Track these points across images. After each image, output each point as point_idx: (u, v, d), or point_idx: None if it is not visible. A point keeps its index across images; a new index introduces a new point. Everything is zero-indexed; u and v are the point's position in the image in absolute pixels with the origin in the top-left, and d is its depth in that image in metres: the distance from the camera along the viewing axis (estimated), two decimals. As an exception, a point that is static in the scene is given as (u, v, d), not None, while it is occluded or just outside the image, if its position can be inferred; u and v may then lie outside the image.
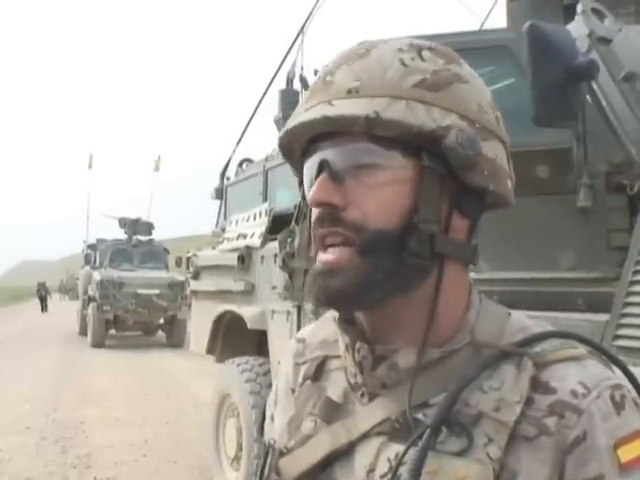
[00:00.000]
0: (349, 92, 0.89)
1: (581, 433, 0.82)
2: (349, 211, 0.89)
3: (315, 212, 0.93)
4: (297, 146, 0.97)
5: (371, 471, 0.92)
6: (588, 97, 3.07)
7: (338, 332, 1.01)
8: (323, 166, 0.91)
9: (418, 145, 0.88)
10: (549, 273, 3.16)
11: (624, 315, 2.70)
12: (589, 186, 2.97)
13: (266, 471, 1.03)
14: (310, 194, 0.91)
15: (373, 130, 0.87)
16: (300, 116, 0.92)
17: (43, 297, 48.45)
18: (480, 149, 0.88)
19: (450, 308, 0.94)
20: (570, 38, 2.89)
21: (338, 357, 1.03)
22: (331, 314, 1.08)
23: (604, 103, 3.15)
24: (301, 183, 1.00)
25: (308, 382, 1.07)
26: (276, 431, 1.09)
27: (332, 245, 0.91)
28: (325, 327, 1.09)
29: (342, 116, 0.87)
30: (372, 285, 0.89)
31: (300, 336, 1.17)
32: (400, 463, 0.87)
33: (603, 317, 2.81)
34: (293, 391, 1.10)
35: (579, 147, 2.98)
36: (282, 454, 1.01)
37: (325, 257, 0.91)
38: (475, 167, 0.89)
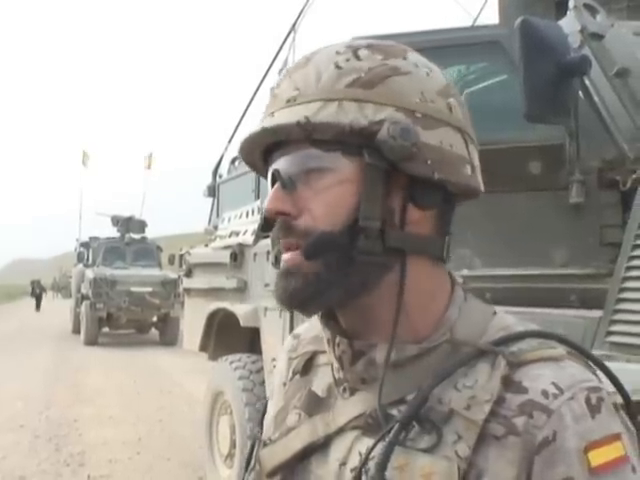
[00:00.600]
0: (288, 101, 0.91)
1: (550, 434, 0.81)
2: (301, 218, 0.91)
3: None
4: (255, 158, 1.00)
5: (343, 464, 0.93)
6: (580, 93, 3.07)
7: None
8: (275, 176, 0.93)
9: (359, 144, 0.89)
10: (542, 269, 3.16)
11: (617, 311, 2.70)
12: (581, 182, 2.97)
13: (252, 462, 1.05)
14: (264, 205, 0.94)
15: (311, 135, 0.89)
16: (248, 132, 0.95)
17: (38, 295, 47.02)
18: (418, 138, 0.88)
19: (422, 304, 0.95)
20: (562, 34, 2.89)
21: (326, 352, 1.04)
22: None
23: (596, 99, 3.15)
24: None
25: (297, 376, 1.09)
26: (265, 423, 1.11)
27: (290, 250, 0.93)
28: (318, 323, 1.08)
29: (277, 125, 0.89)
30: (326, 285, 0.90)
31: (296, 332, 1.20)
32: (368, 457, 0.88)
33: (596, 313, 2.81)
34: (285, 385, 1.12)
35: (571, 143, 2.99)
36: (265, 445, 1.02)
37: (283, 257, 0.94)
38: (414, 157, 0.88)
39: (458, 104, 0.96)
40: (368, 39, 0.97)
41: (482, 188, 0.98)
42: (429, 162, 0.89)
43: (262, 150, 0.97)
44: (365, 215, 0.89)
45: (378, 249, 0.90)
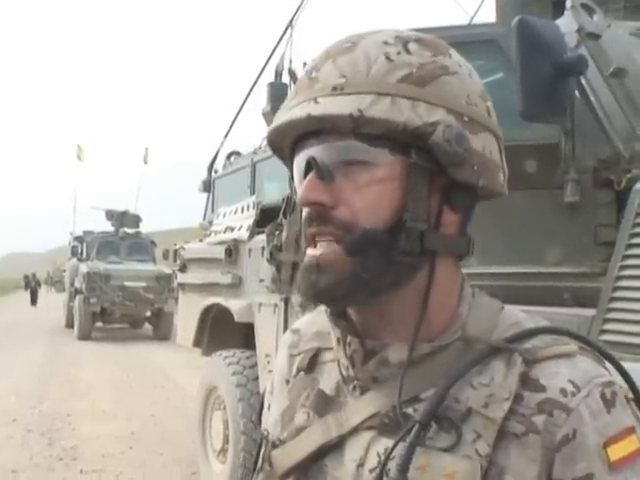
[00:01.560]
0: (334, 89, 0.88)
1: (570, 432, 0.82)
2: (338, 210, 0.89)
3: (305, 210, 0.93)
4: (285, 143, 0.97)
5: (360, 465, 0.92)
6: (576, 92, 3.08)
7: (330, 325, 1.01)
8: (311, 164, 0.91)
9: (406, 142, 0.87)
10: (536, 268, 3.17)
11: (610, 310, 2.71)
12: (577, 181, 2.98)
13: (259, 462, 1.03)
14: (299, 193, 0.91)
15: (359, 128, 0.87)
16: (286, 114, 0.91)
17: (33, 289, 45.13)
18: (469, 144, 0.87)
19: (441, 302, 0.94)
20: (559, 33, 2.90)
21: (331, 349, 1.03)
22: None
23: (592, 99, 3.15)
24: (292, 178, 1.00)
25: (302, 374, 1.07)
26: (270, 422, 1.09)
27: (320, 242, 0.91)
28: (320, 318, 1.08)
29: (327, 115, 0.86)
30: (360, 284, 0.89)
31: (295, 327, 1.18)
32: (388, 458, 0.87)
33: (590, 312, 2.82)
34: (287, 382, 1.10)
35: (567, 142, 2.99)
36: (275, 446, 1.01)
37: (313, 252, 0.91)
38: (464, 163, 0.88)
39: (492, 109, 0.96)
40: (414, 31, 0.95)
41: (507, 194, 0.98)
42: (475, 168, 0.89)
43: (296, 136, 0.94)
44: (412, 216, 0.88)
45: (417, 250, 0.89)
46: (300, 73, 0.96)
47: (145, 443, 8.15)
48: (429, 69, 0.89)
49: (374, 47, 0.90)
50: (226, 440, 5.76)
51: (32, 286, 46.07)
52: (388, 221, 0.88)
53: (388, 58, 0.88)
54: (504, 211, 3.18)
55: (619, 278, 2.72)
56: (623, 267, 2.72)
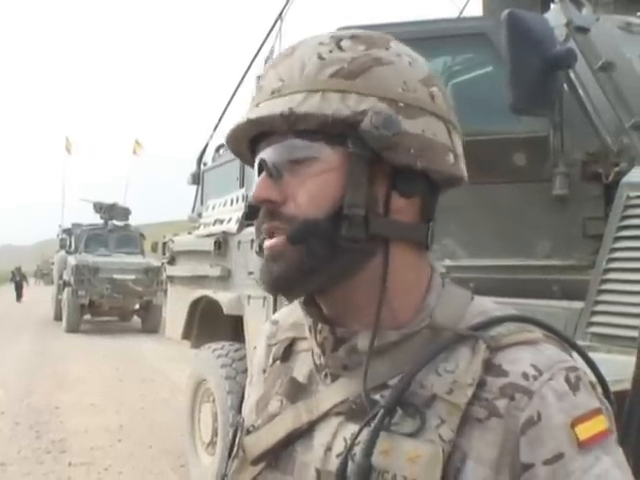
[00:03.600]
0: (272, 93, 0.93)
1: (534, 414, 0.83)
2: (286, 205, 0.93)
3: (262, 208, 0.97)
4: (242, 148, 1.02)
5: (328, 450, 0.94)
6: (565, 86, 3.09)
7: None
8: (262, 165, 0.96)
9: (342, 133, 0.90)
10: (525, 260, 3.18)
11: (598, 302, 2.73)
12: (565, 174, 2.99)
13: (235, 449, 1.05)
14: (252, 193, 0.96)
15: (295, 126, 0.91)
16: (234, 123, 0.97)
17: (18, 283, 41.29)
18: (399, 128, 0.89)
19: (405, 290, 0.96)
20: (548, 27, 2.90)
21: (306, 339, 1.05)
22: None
23: (581, 92, 3.17)
24: None
25: (277, 363, 1.10)
26: (246, 410, 1.11)
27: (275, 236, 0.95)
28: (297, 309, 1.10)
29: (261, 117, 0.92)
30: (310, 270, 0.92)
31: (274, 318, 1.20)
32: (354, 443, 0.89)
33: (578, 304, 2.84)
34: (264, 371, 1.13)
35: (556, 135, 3.01)
36: (248, 432, 1.03)
37: (266, 243, 0.96)
38: (396, 146, 0.90)
39: (441, 93, 0.97)
40: (352, 29, 0.98)
41: (466, 176, 0.99)
42: (412, 151, 0.91)
43: (249, 140, 0.99)
44: (349, 203, 0.90)
45: (361, 236, 0.91)
46: None
47: (134, 436, 8.15)
48: (360, 62, 0.92)
49: (309, 49, 0.94)
50: (215, 432, 5.77)
51: (17, 280, 42.33)
52: (329, 210, 0.91)
53: (320, 57, 0.92)
54: (493, 204, 3.19)
55: (607, 271, 2.73)
56: (611, 260, 2.73)
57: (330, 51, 0.93)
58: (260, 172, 0.96)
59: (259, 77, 1.00)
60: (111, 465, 7.02)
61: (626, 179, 2.82)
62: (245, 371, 5.48)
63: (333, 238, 0.91)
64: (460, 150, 0.98)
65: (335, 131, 0.90)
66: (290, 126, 0.91)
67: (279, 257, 0.93)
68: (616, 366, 2.26)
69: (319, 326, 0.98)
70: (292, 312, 1.15)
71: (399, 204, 0.94)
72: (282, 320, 1.17)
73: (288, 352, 1.10)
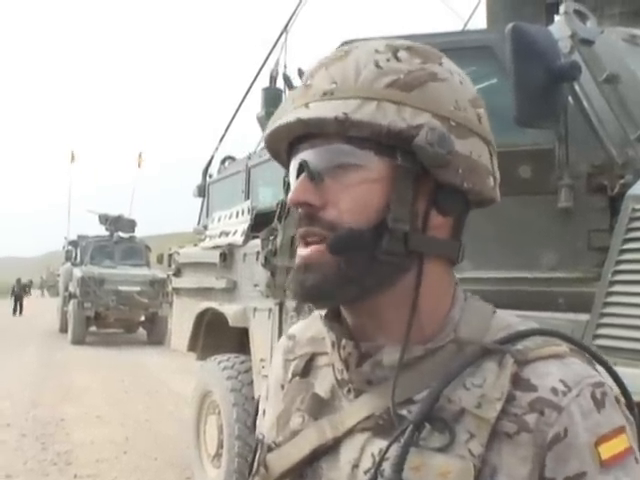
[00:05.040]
0: (324, 94, 0.91)
1: (561, 430, 0.83)
2: (326, 210, 0.92)
3: (297, 212, 0.95)
4: (281, 148, 1.00)
5: (355, 466, 0.93)
6: (570, 98, 3.09)
7: (324, 329, 1.03)
8: (302, 167, 0.94)
9: (392, 144, 0.90)
10: (530, 273, 3.18)
11: (604, 315, 2.72)
12: (570, 187, 2.99)
13: (255, 466, 1.03)
14: (290, 194, 0.94)
15: (346, 131, 0.89)
16: (279, 119, 0.94)
17: (18, 295, 38.63)
18: (452, 147, 0.89)
19: (433, 305, 0.96)
20: (553, 39, 2.91)
21: (326, 354, 1.04)
22: (319, 311, 1.09)
23: (586, 104, 3.17)
24: (285, 182, 1.03)
25: (297, 378, 1.08)
26: (265, 426, 1.10)
27: (311, 243, 0.93)
28: (314, 324, 1.10)
29: (314, 118, 0.89)
30: (346, 281, 0.91)
31: (291, 333, 1.19)
32: (383, 459, 0.88)
33: (583, 317, 2.83)
34: (283, 387, 1.11)
35: (561, 148, 3.00)
36: (270, 449, 1.02)
37: (301, 252, 0.94)
38: (447, 165, 0.89)
39: (485, 115, 0.98)
40: (404, 39, 0.98)
41: (499, 200, 0.99)
42: (460, 171, 0.91)
43: (290, 140, 0.97)
44: (395, 217, 0.90)
45: (400, 251, 0.91)
46: (295, 79, 1.00)
47: (139, 448, 8.13)
48: (416, 75, 0.91)
49: (365, 55, 0.93)
50: (220, 445, 5.76)
51: (17, 292, 39.46)
52: (372, 221, 0.90)
53: (377, 65, 0.91)
54: (498, 216, 3.19)
55: (613, 283, 2.73)
56: (617, 272, 2.73)
57: (387, 60, 0.92)
58: (299, 174, 0.94)
59: (306, 75, 0.97)
60: (117, 477, 7.01)
61: (631, 191, 2.82)
62: (251, 383, 5.47)
63: (373, 250, 0.90)
64: (498, 174, 0.99)
65: (386, 142, 0.90)
66: (342, 131, 0.90)
67: (316, 267, 0.92)
68: (623, 379, 2.25)
69: (343, 341, 0.97)
70: (309, 326, 1.14)
71: (437, 221, 0.94)
72: (299, 334, 1.15)
73: (308, 367, 1.09)
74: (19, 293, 39.39)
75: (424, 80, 0.91)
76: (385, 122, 0.87)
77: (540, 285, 3.15)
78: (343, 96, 0.90)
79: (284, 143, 0.99)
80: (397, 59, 0.92)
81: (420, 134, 0.87)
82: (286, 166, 1.02)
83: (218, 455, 5.83)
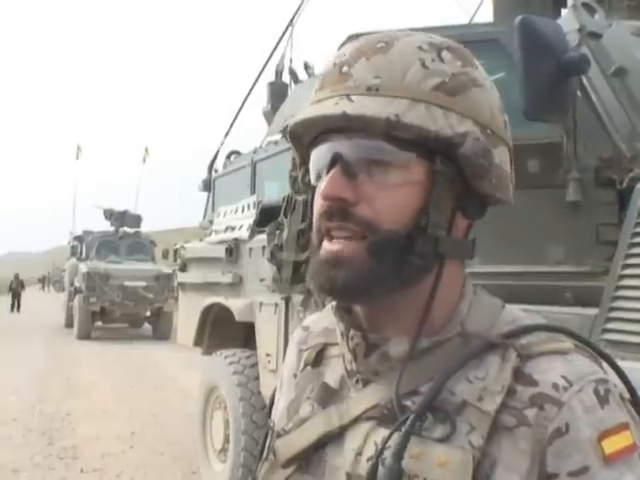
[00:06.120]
0: (369, 89, 0.89)
1: (562, 425, 0.83)
2: (360, 207, 0.90)
3: (322, 204, 0.94)
4: (309, 134, 0.98)
5: (359, 454, 0.94)
6: (578, 92, 3.07)
7: (335, 320, 1.03)
8: (336, 159, 0.91)
9: (433, 148, 0.89)
10: (538, 267, 3.17)
11: (613, 309, 2.71)
12: (579, 180, 2.98)
13: (265, 452, 1.05)
14: (322, 188, 0.92)
15: (392, 131, 0.88)
16: (316, 107, 0.92)
17: (15, 291, 37.13)
18: (493, 159, 0.90)
19: (443, 300, 0.96)
20: (561, 32, 2.89)
21: (337, 344, 1.05)
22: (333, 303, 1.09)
23: (594, 98, 3.15)
24: (301, 166, 1.01)
25: (308, 368, 1.10)
26: (277, 414, 1.12)
27: (338, 238, 0.92)
28: (328, 315, 1.10)
29: (363, 115, 0.87)
30: (377, 281, 0.91)
31: (305, 324, 1.21)
32: (385, 447, 0.89)
33: (591, 311, 2.82)
34: (295, 376, 1.13)
35: (569, 141, 2.99)
36: (279, 436, 1.03)
37: (331, 247, 0.93)
38: (487, 176, 0.91)
39: (508, 121, 0.98)
40: (436, 37, 0.97)
41: (512, 202, 1.00)
42: (494, 181, 0.93)
43: (324, 129, 0.95)
44: (433, 222, 0.91)
45: (431, 254, 0.92)
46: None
47: (145, 443, 8.16)
48: (460, 80, 0.91)
49: (409, 51, 0.91)
50: (227, 439, 5.77)
51: (13, 288, 37.71)
52: (408, 224, 0.90)
53: (423, 65, 0.90)
54: (506, 210, 3.17)
55: (622, 277, 2.72)
56: (626, 266, 2.72)
57: (432, 60, 0.91)
58: (331, 165, 0.92)
59: (340, 60, 0.94)
60: (123, 472, 7.03)
61: (640, 185, 2.81)
62: (257, 378, 5.48)
63: (406, 253, 0.90)
64: (514, 178, 1.00)
65: (429, 146, 0.89)
66: (388, 130, 0.88)
67: (348, 263, 0.91)
68: (631, 374, 2.24)
69: (351, 332, 0.99)
70: (323, 318, 1.16)
71: (463, 225, 0.96)
72: (313, 326, 1.18)
73: (319, 357, 1.10)
74: (17, 289, 37.70)
75: (468, 85, 0.91)
76: (434, 127, 0.87)
77: (547, 279, 3.14)
78: (390, 94, 0.88)
79: (314, 132, 0.96)
80: (442, 60, 0.91)
81: (466, 143, 0.88)
82: (302, 151, 1.01)
83: (224, 450, 5.84)
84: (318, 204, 0.95)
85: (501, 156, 0.93)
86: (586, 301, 2.92)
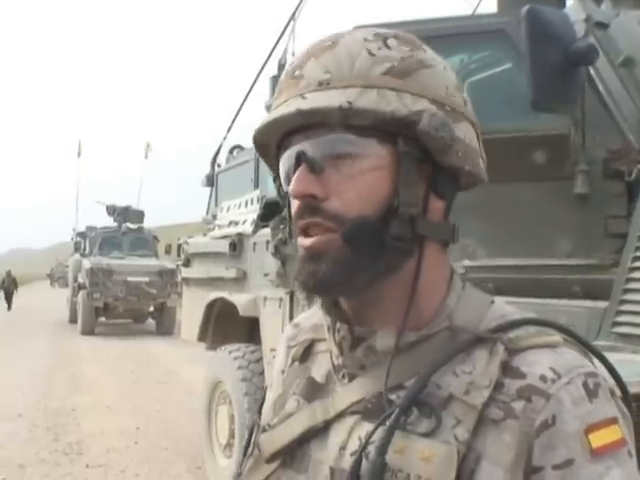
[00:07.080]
0: (320, 84, 0.91)
1: (549, 417, 0.82)
2: (330, 201, 0.91)
3: (295, 203, 0.95)
4: (272, 142, 0.99)
5: (343, 448, 0.94)
6: (585, 83, 3.05)
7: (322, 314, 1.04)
8: (300, 158, 0.93)
9: (393, 131, 0.90)
10: (546, 260, 3.14)
11: (623, 302, 2.69)
12: (587, 172, 2.96)
13: (251, 447, 1.06)
14: (291, 186, 0.93)
15: (348, 120, 0.89)
16: (273, 113, 0.94)
17: (7, 290, 34.52)
18: (453, 132, 0.91)
19: (429, 291, 0.96)
20: (569, 22, 2.86)
21: (325, 340, 1.06)
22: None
23: (602, 88, 3.13)
24: (275, 179, 1.03)
25: (296, 363, 1.11)
26: (264, 410, 1.13)
27: (313, 235, 0.93)
28: (318, 311, 1.10)
29: (316, 108, 0.88)
30: (358, 269, 0.91)
31: (296, 321, 1.22)
32: (369, 441, 0.89)
33: (600, 304, 2.80)
34: (283, 372, 1.14)
35: (577, 133, 2.97)
36: (264, 431, 1.04)
37: (307, 242, 0.93)
38: (450, 149, 0.91)
39: (468, 99, 1.00)
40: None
41: (487, 179, 1.01)
42: (459, 154, 0.93)
43: (283, 134, 0.96)
44: (404, 201, 0.91)
45: (409, 235, 0.91)
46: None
47: (150, 438, 8.17)
48: (409, 62, 0.92)
49: (355, 43, 0.93)
50: (232, 434, 5.77)
51: (5, 286, 35.21)
52: (380, 208, 0.91)
53: (370, 53, 0.92)
54: (513, 203, 3.16)
55: (632, 270, 2.70)
56: (636, 258, 2.70)
57: (379, 48, 0.92)
58: (297, 166, 0.93)
59: (293, 66, 0.96)
60: (128, 467, 7.04)
61: (649, 177, 2.78)
62: (261, 373, 5.48)
63: (382, 237, 0.90)
64: (484, 154, 1.01)
65: (389, 129, 0.90)
66: (344, 120, 0.89)
67: (324, 256, 0.91)
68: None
69: (338, 325, 0.98)
70: (313, 314, 1.16)
71: (436, 205, 0.96)
72: (303, 322, 1.18)
73: (307, 353, 1.11)
74: (9, 288, 34.97)
75: (416, 67, 0.92)
76: (388, 109, 0.88)
77: (556, 272, 3.12)
78: (341, 85, 0.90)
79: (276, 137, 0.97)
80: (388, 47, 0.93)
81: (422, 120, 0.88)
82: (272, 162, 1.02)
83: (229, 445, 5.84)
84: (293, 205, 0.96)
85: (464, 131, 0.94)
86: (595, 294, 2.90)
